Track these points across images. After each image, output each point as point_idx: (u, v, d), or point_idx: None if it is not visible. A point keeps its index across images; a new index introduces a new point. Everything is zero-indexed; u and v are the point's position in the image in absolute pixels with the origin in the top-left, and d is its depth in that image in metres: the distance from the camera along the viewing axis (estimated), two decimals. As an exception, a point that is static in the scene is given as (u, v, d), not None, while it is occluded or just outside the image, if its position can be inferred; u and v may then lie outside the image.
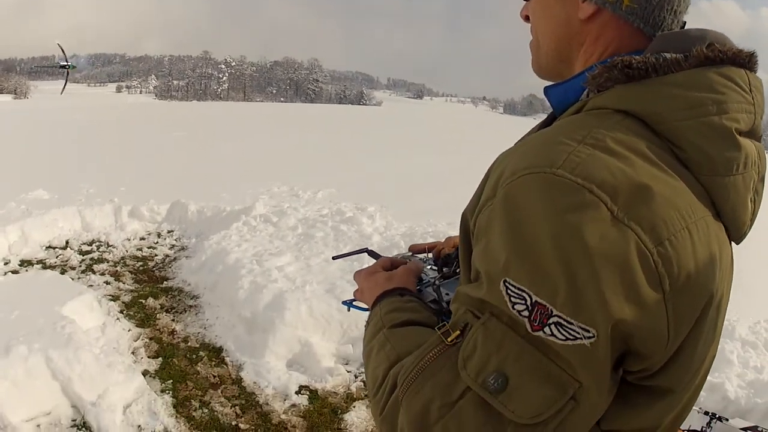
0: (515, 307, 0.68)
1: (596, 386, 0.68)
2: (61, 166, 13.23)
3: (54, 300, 5.06)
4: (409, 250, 1.25)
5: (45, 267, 6.81)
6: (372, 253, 1.28)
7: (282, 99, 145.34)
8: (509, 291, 0.68)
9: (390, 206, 9.11)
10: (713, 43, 0.78)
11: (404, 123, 43.00)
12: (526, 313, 0.67)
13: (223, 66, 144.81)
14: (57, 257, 7.17)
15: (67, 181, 10.69)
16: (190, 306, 5.70)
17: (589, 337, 0.66)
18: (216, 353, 4.66)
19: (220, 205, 8.73)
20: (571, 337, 0.66)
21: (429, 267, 1.14)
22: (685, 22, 0.89)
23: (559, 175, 0.68)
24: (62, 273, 6.48)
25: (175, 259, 7.21)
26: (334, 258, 1.46)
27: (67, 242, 7.67)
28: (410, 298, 0.98)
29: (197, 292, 6.01)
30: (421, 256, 1.21)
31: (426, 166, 15.65)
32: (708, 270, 0.73)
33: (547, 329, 0.66)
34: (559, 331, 0.66)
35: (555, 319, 0.66)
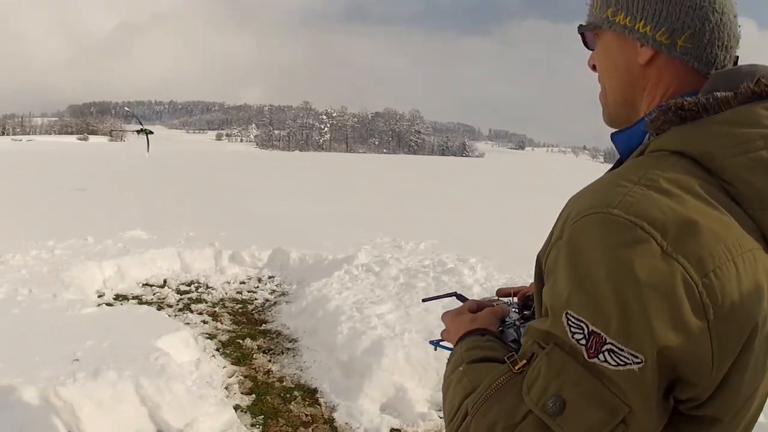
0: (574, 336, 0.81)
1: (644, 410, 0.79)
2: (159, 208, 14.19)
3: (149, 333, 5.31)
4: (497, 294, 1.42)
5: (141, 303, 7.17)
6: (460, 297, 1.43)
7: (385, 150, 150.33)
8: (570, 322, 0.82)
9: (491, 257, 9.23)
10: (762, 77, 0.87)
11: (505, 173, 44.57)
12: (583, 341, 0.80)
13: (324, 117, 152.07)
14: (154, 294, 7.56)
15: (167, 223, 11.43)
16: (288, 348, 5.91)
17: (638, 363, 0.77)
18: (310, 394, 4.83)
19: (323, 253, 9.08)
20: (622, 363, 0.78)
21: (513, 310, 1.28)
22: (738, 57, 0.99)
23: (614, 215, 0.80)
24: (159, 309, 6.81)
25: (275, 303, 7.52)
26: (423, 300, 1.69)
27: (165, 281, 8.09)
28: (489, 338, 1.12)
29: (296, 336, 6.24)
30: (506, 300, 1.37)
31: (524, 214, 16.22)
32: (753, 299, 0.81)
33: (601, 356, 0.79)
34: (611, 357, 0.78)
35: (608, 346, 0.79)
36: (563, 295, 0.83)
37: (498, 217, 15.97)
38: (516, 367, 0.89)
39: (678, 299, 0.77)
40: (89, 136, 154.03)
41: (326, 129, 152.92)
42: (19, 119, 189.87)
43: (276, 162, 49.28)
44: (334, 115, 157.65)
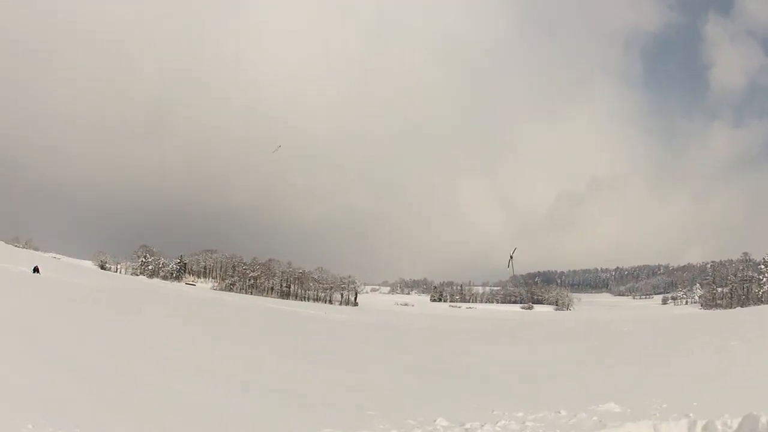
0: None
1: None
2: (629, 377, 15.39)
3: None
4: None
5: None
6: None
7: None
8: None
9: None
10: None
11: None
12: None
13: (763, 266, 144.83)
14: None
15: (638, 394, 12.01)
16: None
17: None
18: None
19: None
20: None
21: None
22: None
23: None
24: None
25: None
26: None
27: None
28: None
29: None
30: None
31: None
32: None
33: None
34: None
35: None
36: None
37: None
38: None
39: None
40: (534, 305, 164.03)
41: (765, 279, 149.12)
42: (458, 287, 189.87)
43: (714, 321, 47.22)
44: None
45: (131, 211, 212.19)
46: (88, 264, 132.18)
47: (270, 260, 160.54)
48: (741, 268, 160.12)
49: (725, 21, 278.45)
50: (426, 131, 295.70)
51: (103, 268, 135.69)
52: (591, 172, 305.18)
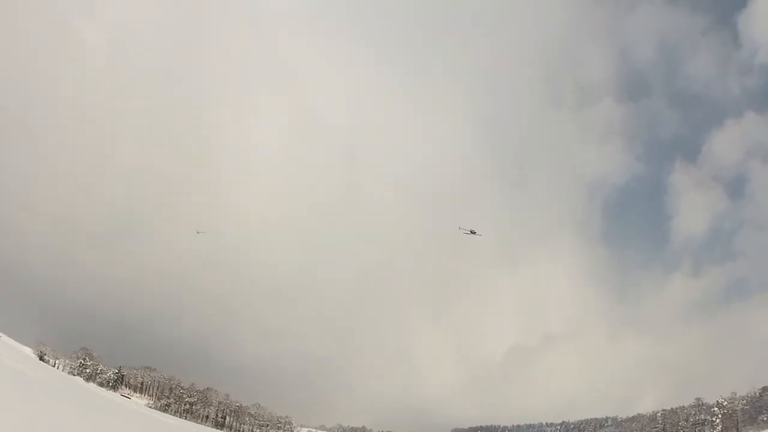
0: None
1: None
2: None
3: None
4: None
5: None
6: None
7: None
8: None
9: None
10: None
11: None
12: None
13: (716, 409, 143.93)
14: None
15: None
16: None
17: None
18: None
19: None
20: None
21: None
22: None
23: None
24: None
25: None
26: None
27: None
28: None
29: None
30: None
31: None
32: None
33: None
34: None
35: None
36: None
37: None
38: None
39: None
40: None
41: (717, 421, 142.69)
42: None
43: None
44: (725, 404, 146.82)
45: (80, 309, 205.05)
46: (28, 351, 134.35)
47: (208, 389, 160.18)
48: (693, 413, 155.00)
49: (691, 168, 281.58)
50: (384, 271, 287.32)
51: (42, 359, 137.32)
52: (545, 325, 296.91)
